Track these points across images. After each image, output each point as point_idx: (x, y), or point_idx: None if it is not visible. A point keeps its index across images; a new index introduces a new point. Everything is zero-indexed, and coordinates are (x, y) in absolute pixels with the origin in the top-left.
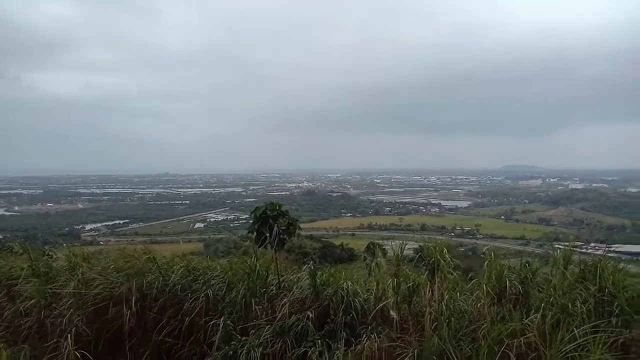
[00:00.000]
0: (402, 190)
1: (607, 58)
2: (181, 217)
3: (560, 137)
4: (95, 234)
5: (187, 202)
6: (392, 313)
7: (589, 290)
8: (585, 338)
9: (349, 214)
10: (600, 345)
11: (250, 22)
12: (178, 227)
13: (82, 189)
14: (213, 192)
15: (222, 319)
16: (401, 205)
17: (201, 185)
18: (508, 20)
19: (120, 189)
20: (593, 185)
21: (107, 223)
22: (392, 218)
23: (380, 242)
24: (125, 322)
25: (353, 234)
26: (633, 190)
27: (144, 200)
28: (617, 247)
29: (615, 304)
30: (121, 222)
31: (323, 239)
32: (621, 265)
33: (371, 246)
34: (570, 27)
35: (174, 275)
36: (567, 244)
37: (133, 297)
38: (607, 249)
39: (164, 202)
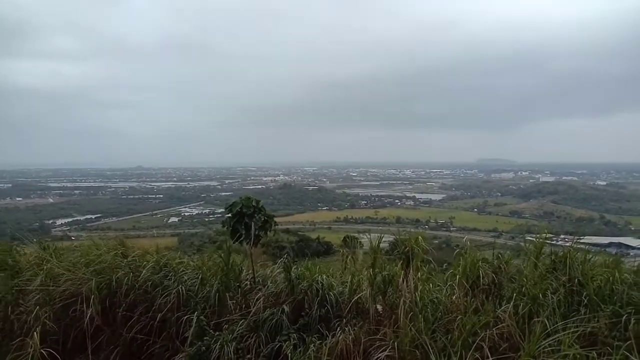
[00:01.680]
0: (378, 183)
1: (576, 52)
2: (155, 212)
3: (531, 131)
4: (67, 228)
5: (161, 196)
6: (378, 306)
7: (559, 280)
8: (556, 326)
9: (325, 208)
10: (570, 335)
11: (221, 12)
12: (152, 222)
13: (53, 183)
14: (187, 185)
15: (195, 314)
16: (377, 199)
17: (175, 179)
18: (479, 13)
19: (92, 182)
20: (563, 178)
21: (78, 218)
22: (368, 211)
23: (357, 235)
24: (94, 319)
25: (329, 228)
26: (601, 183)
27: (117, 194)
28: (586, 239)
29: (584, 294)
30: (93, 216)
31: (299, 233)
32: (589, 256)
33: (347, 239)
34: (540, 21)
35: (144, 270)
36: (538, 235)
37: (102, 293)
38: (575, 240)
39: (137, 196)
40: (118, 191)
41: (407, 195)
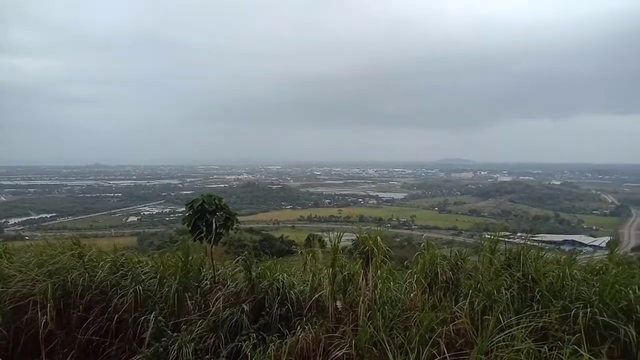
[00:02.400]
0: (342, 182)
1: (536, 54)
2: (113, 211)
3: (491, 131)
4: (20, 228)
5: (120, 194)
6: (338, 303)
7: (513, 277)
8: (509, 321)
9: (289, 206)
10: (523, 330)
11: (187, 6)
12: (110, 221)
13: (6, 181)
14: (147, 184)
15: (152, 315)
16: (340, 198)
17: (134, 177)
18: (445, 13)
19: (48, 180)
20: (520, 178)
21: (32, 217)
22: (332, 210)
23: (320, 233)
24: (47, 322)
25: (293, 226)
26: (556, 183)
27: (73, 193)
28: (541, 237)
29: (537, 289)
30: (48, 215)
31: (263, 232)
32: (542, 253)
33: (311, 238)
34: (502, 23)
35: (101, 271)
36: (493, 233)
37: (56, 295)
38: (528, 237)
39: (95, 195)
40: (75, 189)
41: (371, 194)
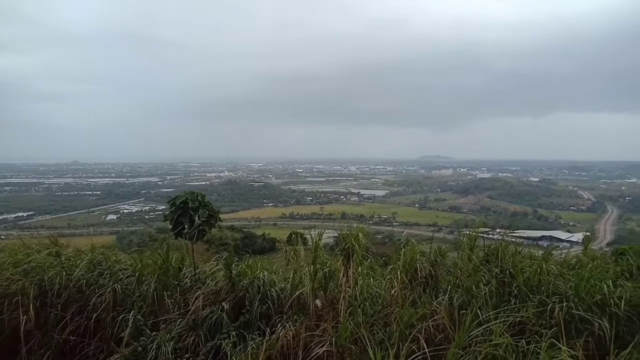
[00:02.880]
0: (324, 179)
1: (516, 53)
2: (92, 209)
3: (470, 129)
4: None
5: (99, 192)
6: (317, 301)
7: (491, 272)
8: (487, 316)
9: (271, 204)
10: (501, 325)
11: (165, 3)
12: (89, 219)
13: None
14: (127, 182)
15: (131, 314)
16: (322, 195)
17: (113, 174)
18: (426, 11)
19: (24, 178)
20: (499, 174)
21: (8, 216)
22: (314, 207)
23: (302, 231)
24: (23, 322)
25: (275, 224)
26: (534, 179)
27: (51, 191)
28: (519, 233)
29: (514, 284)
30: (25, 214)
31: (244, 230)
32: (520, 248)
33: (293, 235)
34: (483, 21)
35: (78, 269)
36: (472, 229)
37: (32, 294)
38: (506, 233)
39: (73, 193)
40: (52, 187)
41: (352, 191)
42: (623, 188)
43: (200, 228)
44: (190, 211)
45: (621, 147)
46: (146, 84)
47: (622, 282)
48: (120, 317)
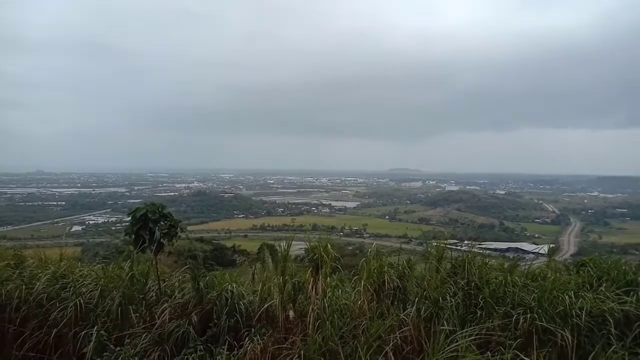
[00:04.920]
0: (295, 191)
1: (479, 68)
2: (56, 220)
3: (439, 143)
4: None
5: (63, 203)
6: (290, 313)
7: (458, 284)
8: (454, 329)
9: (241, 215)
10: (467, 337)
11: (132, 11)
12: (52, 231)
13: None
14: (93, 192)
15: (94, 328)
16: (294, 206)
17: (79, 184)
18: (395, 26)
19: None
20: (467, 187)
21: None
22: (285, 219)
23: (273, 242)
24: None
25: (246, 235)
26: (500, 192)
27: (13, 201)
28: (486, 244)
29: (480, 296)
30: None
31: (214, 241)
32: (487, 260)
33: (263, 247)
34: (447, 38)
35: (39, 283)
36: (439, 241)
37: None
38: (472, 245)
39: (37, 203)
40: (15, 197)
41: (324, 202)
42: (585, 201)
43: (161, 241)
44: (151, 224)
45: (583, 161)
46: (113, 93)
47: (583, 293)
48: (83, 332)
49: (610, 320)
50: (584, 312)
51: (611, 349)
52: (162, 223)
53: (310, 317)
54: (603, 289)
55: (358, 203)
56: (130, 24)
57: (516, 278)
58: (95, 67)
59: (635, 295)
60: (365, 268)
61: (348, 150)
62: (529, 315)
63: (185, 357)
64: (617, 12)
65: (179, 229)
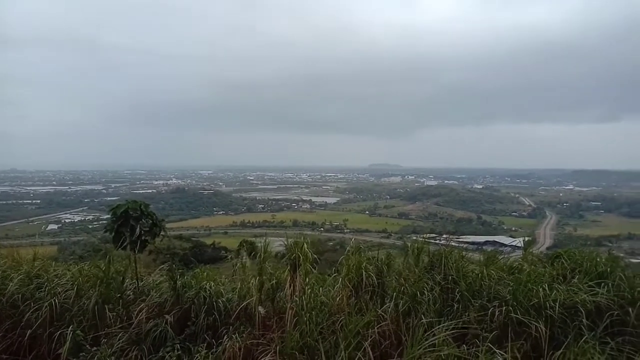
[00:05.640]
0: (275, 187)
1: (460, 64)
2: (31, 219)
3: (418, 138)
4: None
5: (39, 201)
6: (260, 308)
7: (435, 278)
8: (431, 321)
9: (221, 212)
10: (444, 331)
11: (107, 4)
12: (27, 229)
13: None
14: (69, 190)
15: (70, 329)
16: (274, 202)
17: (55, 182)
18: (374, 24)
19: None
20: (445, 182)
21: None
22: (265, 215)
23: (253, 239)
24: None
25: (225, 232)
26: (478, 187)
27: None
28: (465, 238)
29: (457, 290)
30: None
31: (193, 239)
32: (464, 254)
33: (243, 244)
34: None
35: (12, 283)
36: (417, 236)
37: None
38: (449, 239)
39: (11, 202)
40: None
41: (304, 198)
42: (561, 194)
43: (143, 238)
44: (132, 221)
45: (559, 156)
46: (90, 88)
47: (556, 286)
48: (58, 332)
49: (582, 311)
50: (557, 303)
51: (583, 339)
52: (143, 221)
53: (288, 314)
54: (576, 281)
55: (338, 199)
56: (110, 18)
57: (492, 271)
58: (72, 62)
59: (606, 287)
60: (344, 264)
61: (328, 146)
62: (504, 307)
63: (163, 356)
64: (595, 8)
65: (161, 227)
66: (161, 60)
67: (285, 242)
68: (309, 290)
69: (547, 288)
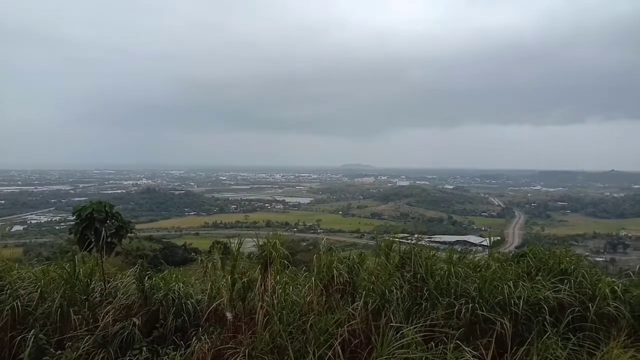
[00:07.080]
0: (248, 187)
1: (430, 65)
2: None
3: (389, 139)
4: None
5: (3, 201)
6: (227, 314)
7: (405, 276)
8: (400, 318)
9: (193, 213)
10: (412, 328)
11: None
12: None
13: None
14: (35, 190)
15: (32, 332)
16: (247, 203)
17: (20, 182)
18: (343, 23)
19: None
20: (417, 182)
21: None
22: (238, 216)
23: (226, 240)
24: None
25: (197, 233)
26: (449, 187)
27: None
28: (436, 238)
29: (425, 288)
30: None
31: (164, 240)
32: (433, 252)
33: (216, 245)
34: (398, 34)
35: None
36: (387, 235)
37: None
38: (420, 238)
39: None
40: None
41: (277, 199)
42: (529, 195)
43: (109, 240)
44: (97, 223)
45: (526, 157)
46: (55, 85)
47: (521, 283)
48: (20, 336)
49: (546, 307)
50: (521, 300)
51: (545, 335)
52: (109, 223)
53: (258, 313)
54: (540, 278)
55: (312, 199)
56: (71, 13)
57: (459, 269)
58: (36, 58)
59: (568, 283)
60: (316, 263)
61: (301, 146)
62: (470, 305)
63: (130, 358)
64: (561, 11)
65: (128, 229)
66: (129, 58)
67: (257, 242)
68: (280, 290)
69: (512, 285)
